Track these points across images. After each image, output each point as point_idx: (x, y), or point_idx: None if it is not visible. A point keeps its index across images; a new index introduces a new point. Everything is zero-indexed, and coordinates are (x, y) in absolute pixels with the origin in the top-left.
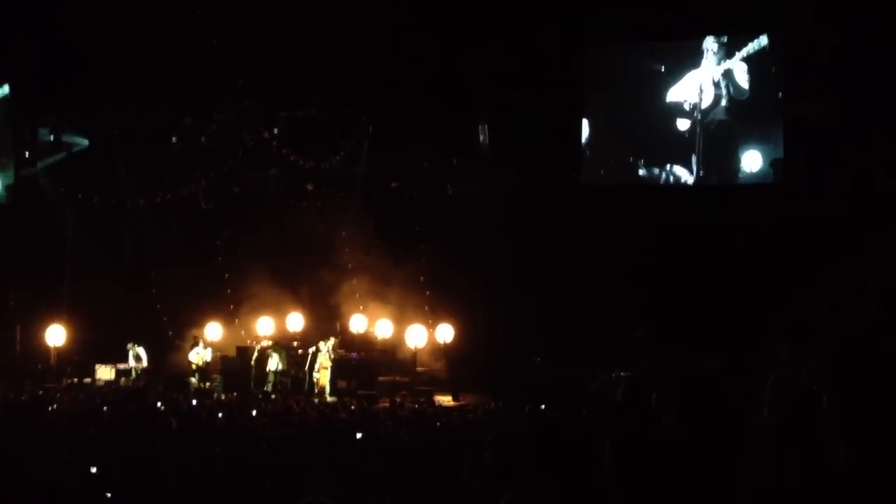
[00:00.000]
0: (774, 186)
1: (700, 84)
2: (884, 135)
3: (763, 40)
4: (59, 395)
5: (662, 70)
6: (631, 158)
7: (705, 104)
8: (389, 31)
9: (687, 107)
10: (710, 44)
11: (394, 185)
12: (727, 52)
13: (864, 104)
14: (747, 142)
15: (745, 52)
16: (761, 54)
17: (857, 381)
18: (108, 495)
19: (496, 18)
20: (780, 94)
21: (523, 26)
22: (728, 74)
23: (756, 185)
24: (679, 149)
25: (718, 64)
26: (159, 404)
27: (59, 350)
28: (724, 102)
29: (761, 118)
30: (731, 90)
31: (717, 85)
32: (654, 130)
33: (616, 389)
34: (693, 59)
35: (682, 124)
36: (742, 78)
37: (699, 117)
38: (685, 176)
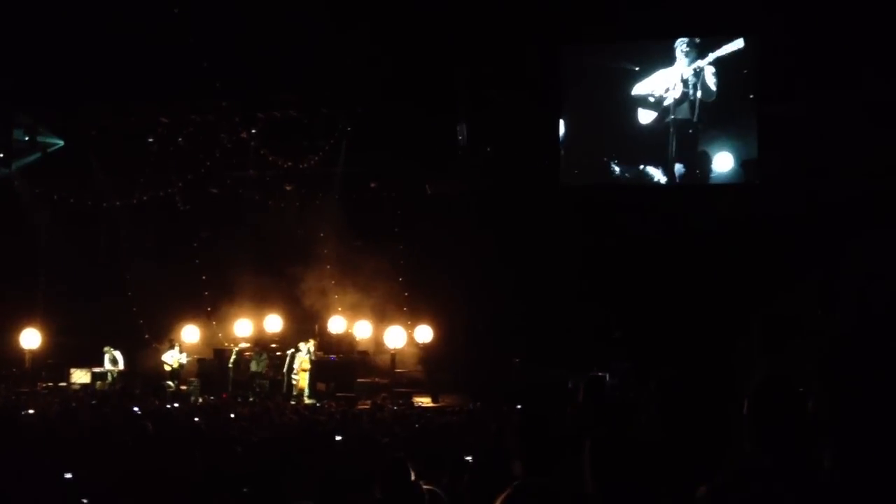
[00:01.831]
0: (750, 186)
1: (671, 82)
2: (857, 133)
3: (739, 43)
4: (33, 399)
5: (637, 70)
6: (605, 158)
7: (674, 100)
8: (367, 31)
9: (652, 99)
10: (681, 45)
11: (372, 185)
12: (699, 53)
13: (837, 103)
14: (717, 143)
15: (718, 53)
16: (732, 57)
17: (848, 386)
18: (84, 501)
19: (474, 18)
20: (751, 95)
21: (501, 26)
22: (698, 75)
23: (732, 184)
24: (652, 149)
25: (690, 65)
26: (136, 409)
27: (33, 353)
28: (692, 102)
29: (731, 120)
30: (700, 91)
31: (685, 83)
32: (627, 130)
33: (578, 390)
34: (666, 59)
35: (647, 116)
36: (711, 80)
37: (671, 117)
38: (658, 175)
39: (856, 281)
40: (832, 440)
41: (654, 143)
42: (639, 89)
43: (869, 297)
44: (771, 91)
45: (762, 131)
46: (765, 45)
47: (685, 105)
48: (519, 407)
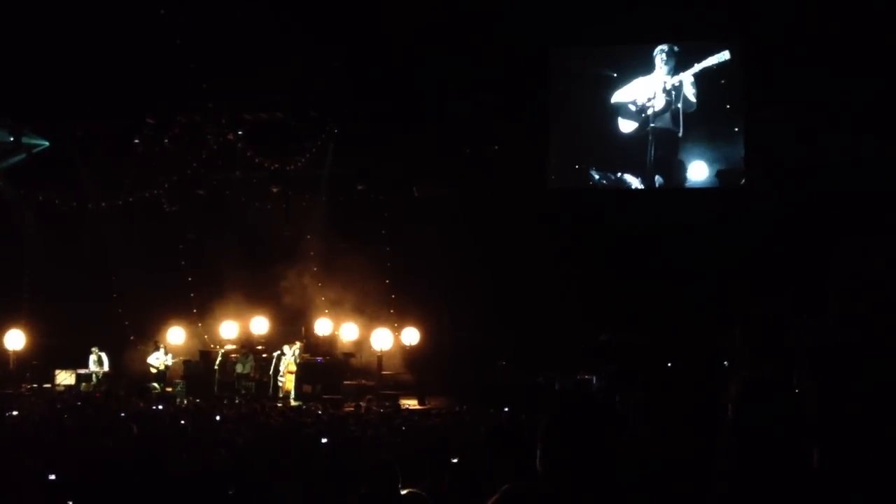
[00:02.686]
0: (735, 189)
1: (651, 91)
2: (842, 139)
3: (724, 55)
4: (17, 400)
5: (615, 76)
6: (584, 165)
7: (655, 109)
8: (355, 34)
9: (633, 108)
10: (660, 53)
11: (359, 187)
12: (679, 62)
13: (823, 109)
14: (696, 152)
15: (703, 65)
16: (714, 68)
17: (834, 386)
18: (70, 503)
19: (462, 21)
20: (728, 105)
21: (489, 29)
22: (679, 86)
23: (716, 188)
24: (631, 158)
25: (669, 73)
26: (121, 413)
27: (18, 355)
28: (675, 112)
29: (711, 130)
30: (681, 101)
31: (667, 93)
32: (607, 137)
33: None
34: (645, 67)
35: (628, 125)
36: (690, 91)
37: (651, 125)
38: (636, 183)
39: (841, 283)
40: (819, 439)
41: (634, 152)
42: (619, 97)
43: (854, 299)
44: (755, 95)
45: (748, 136)
46: (747, 51)
47: (667, 115)
48: (506, 409)
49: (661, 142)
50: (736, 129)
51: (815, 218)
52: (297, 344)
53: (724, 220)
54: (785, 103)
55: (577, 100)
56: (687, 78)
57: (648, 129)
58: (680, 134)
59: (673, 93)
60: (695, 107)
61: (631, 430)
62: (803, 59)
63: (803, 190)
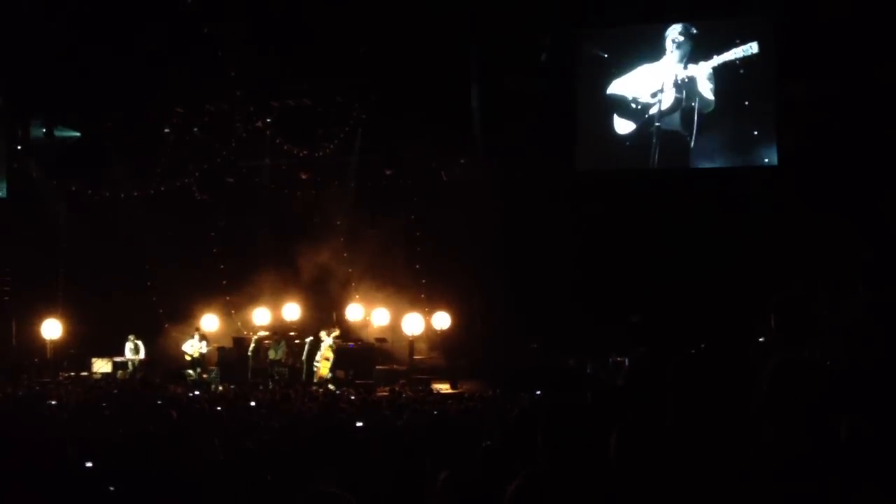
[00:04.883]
0: (770, 170)
1: (658, 82)
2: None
3: (752, 47)
4: (55, 389)
5: (605, 56)
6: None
7: (662, 107)
8: (381, 18)
9: (634, 105)
10: (673, 32)
11: (388, 173)
12: (696, 46)
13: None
14: (708, 159)
15: (726, 57)
16: (738, 62)
17: (867, 362)
18: (112, 489)
19: (489, 4)
20: (747, 102)
21: (517, 12)
22: (692, 80)
23: (751, 167)
24: (630, 160)
25: (682, 61)
26: (158, 401)
27: (55, 344)
28: (683, 110)
29: (731, 134)
30: (696, 99)
31: (678, 87)
32: (601, 134)
33: (616, 375)
34: (652, 50)
35: (625, 126)
36: (706, 87)
37: (654, 125)
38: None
39: (877, 266)
40: (850, 413)
41: (632, 157)
42: (617, 88)
43: (887, 277)
44: (788, 75)
45: (782, 117)
46: (780, 30)
47: (676, 115)
48: (538, 393)
49: (668, 147)
50: (756, 133)
51: (853, 199)
52: (336, 332)
53: (757, 200)
54: (820, 81)
55: (577, 86)
56: (703, 70)
57: (652, 129)
58: (691, 139)
59: (685, 88)
60: (713, 106)
61: (660, 415)
62: (841, 35)
63: (836, 171)
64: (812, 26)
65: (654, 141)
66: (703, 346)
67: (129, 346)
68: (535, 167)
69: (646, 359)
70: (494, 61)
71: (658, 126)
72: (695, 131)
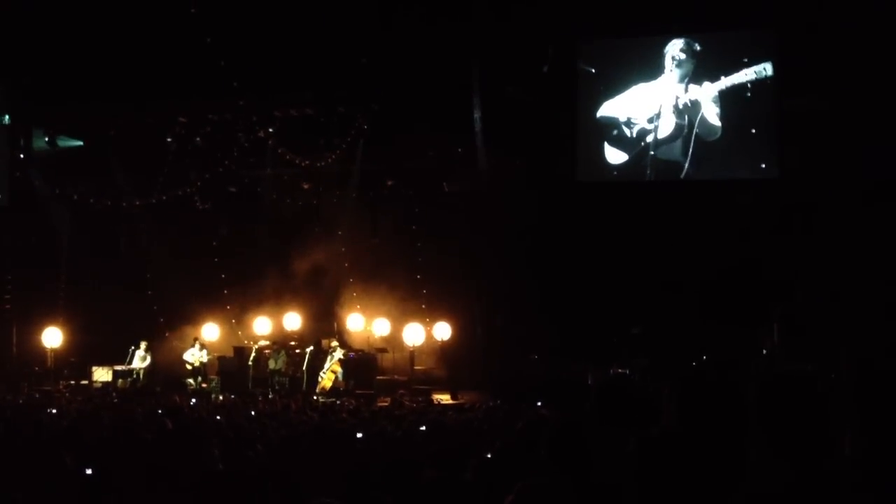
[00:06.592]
0: (770, 181)
1: (655, 105)
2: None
3: (766, 68)
4: (55, 397)
5: (593, 72)
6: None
7: (659, 135)
8: (383, 29)
9: (626, 130)
10: (673, 48)
11: (389, 182)
12: (699, 65)
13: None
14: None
15: (735, 80)
16: (749, 85)
17: (869, 375)
18: (109, 496)
19: (489, 14)
20: (753, 130)
21: (518, 22)
22: (695, 104)
23: (751, 179)
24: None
25: (682, 81)
26: (158, 410)
27: (55, 352)
28: (683, 138)
29: (736, 163)
30: (698, 124)
31: (678, 111)
32: (592, 160)
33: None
34: (649, 67)
35: (618, 156)
36: (711, 111)
37: (649, 154)
38: None
39: (875, 277)
40: (853, 427)
41: (625, 181)
42: (608, 111)
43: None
44: (792, 89)
45: (785, 132)
46: (788, 43)
47: (677, 144)
48: (539, 404)
49: (664, 179)
50: (764, 166)
51: (849, 211)
52: (335, 342)
53: (761, 212)
54: (824, 95)
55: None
56: (709, 93)
57: (647, 159)
58: (688, 166)
59: (686, 113)
60: (719, 133)
61: (662, 424)
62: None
63: (840, 182)
64: (820, 40)
65: (647, 173)
66: (704, 357)
67: (139, 353)
68: (536, 177)
69: (644, 370)
70: (496, 72)
71: (653, 155)
72: (693, 162)
